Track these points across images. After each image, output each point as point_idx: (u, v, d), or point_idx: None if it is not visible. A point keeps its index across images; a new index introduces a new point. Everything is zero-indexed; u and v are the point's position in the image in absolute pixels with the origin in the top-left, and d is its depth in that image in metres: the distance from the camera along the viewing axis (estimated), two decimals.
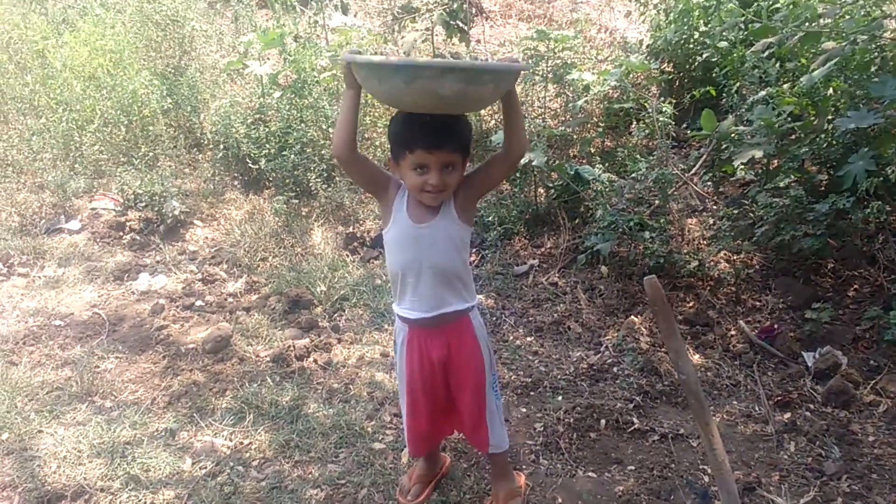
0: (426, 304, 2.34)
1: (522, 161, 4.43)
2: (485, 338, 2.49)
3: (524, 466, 2.91)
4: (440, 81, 1.90)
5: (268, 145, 5.40)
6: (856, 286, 4.00)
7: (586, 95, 5.14)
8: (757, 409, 3.30)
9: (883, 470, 2.89)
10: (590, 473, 2.87)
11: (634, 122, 5.21)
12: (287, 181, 5.30)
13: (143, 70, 6.22)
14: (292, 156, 5.25)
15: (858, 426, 3.15)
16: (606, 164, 4.87)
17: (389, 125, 2.27)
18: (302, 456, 2.98)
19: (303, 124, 5.45)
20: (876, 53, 4.07)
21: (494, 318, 4.04)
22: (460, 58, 1.90)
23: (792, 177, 4.10)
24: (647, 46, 5.98)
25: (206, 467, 2.92)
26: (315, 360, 3.66)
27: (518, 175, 4.80)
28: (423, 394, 2.48)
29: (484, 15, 6.52)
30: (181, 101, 6.12)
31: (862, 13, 4.07)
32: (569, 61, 5.22)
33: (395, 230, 2.32)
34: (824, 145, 4.11)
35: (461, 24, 5.50)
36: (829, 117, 4.07)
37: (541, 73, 5.11)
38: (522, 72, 2.15)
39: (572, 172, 4.64)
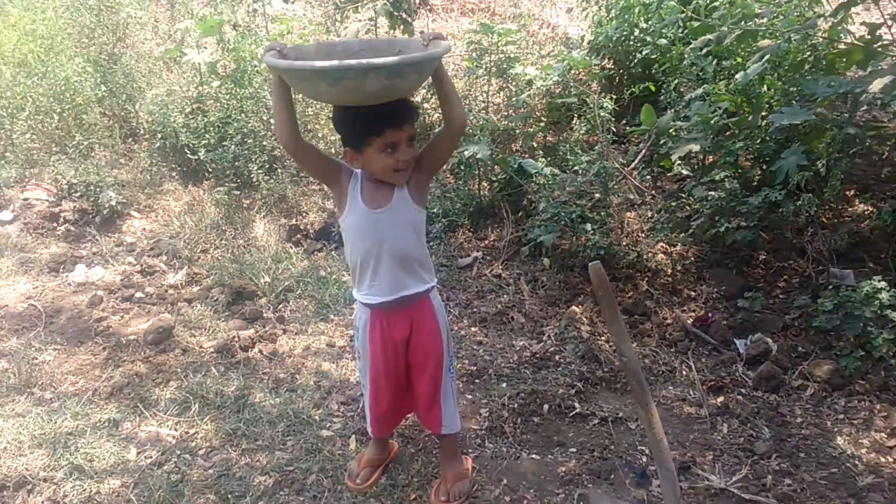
0: (386, 289, 2.39)
1: (466, 153, 4.51)
2: (444, 318, 2.55)
3: (470, 450, 2.96)
4: (364, 80, 1.94)
5: (207, 135, 5.33)
6: (786, 277, 4.17)
7: (529, 90, 5.22)
8: (691, 393, 3.42)
9: (810, 449, 3.03)
10: (534, 456, 2.94)
11: (576, 118, 5.31)
12: (227, 172, 5.25)
13: (75, 57, 6.06)
14: (233, 146, 5.20)
15: (787, 408, 3.29)
16: (549, 159, 4.96)
17: (339, 118, 2.30)
18: (249, 444, 2.98)
19: (243, 114, 5.39)
20: (809, 52, 4.25)
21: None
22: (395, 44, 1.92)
23: (727, 171, 4.25)
24: (589, 43, 6.09)
25: (151, 457, 2.90)
26: (260, 351, 3.65)
27: (462, 168, 4.85)
28: (386, 376, 2.53)
29: (428, 7, 6.55)
30: (116, 90, 5.99)
31: (796, 13, 4.25)
32: (512, 56, 5.30)
33: (351, 218, 2.35)
34: (758, 141, 4.27)
35: (405, 16, 5.52)
36: (764, 114, 4.23)
37: (484, 67, 5.17)
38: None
39: (515, 166, 4.72)
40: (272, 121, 5.24)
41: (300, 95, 5.29)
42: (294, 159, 2.66)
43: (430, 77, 2.24)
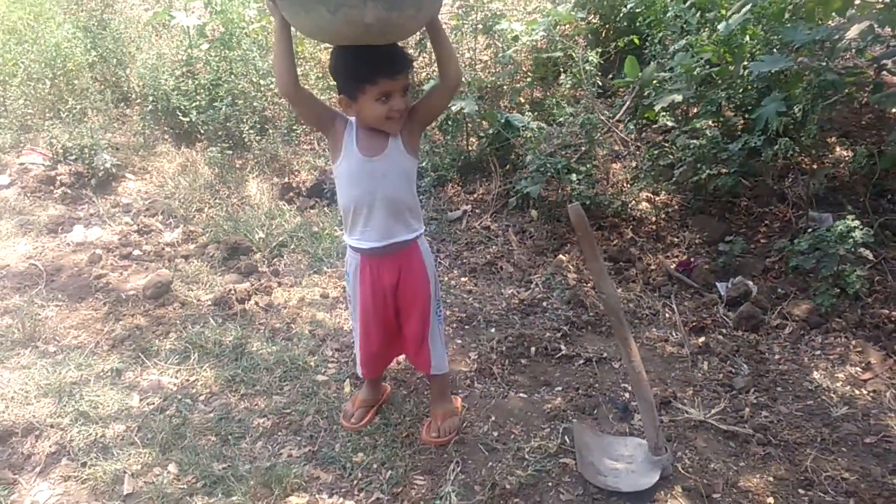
0: (377, 234, 2.48)
1: (454, 108, 4.58)
2: (431, 264, 2.64)
3: (460, 391, 3.09)
4: (362, 9, 1.97)
5: (198, 98, 5.39)
6: (767, 222, 4.27)
7: (515, 46, 5.27)
8: (674, 334, 3.54)
9: (787, 383, 3.16)
10: (521, 394, 3.07)
11: (563, 72, 5.37)
12: (219, 133, 5.32)
13: (65, 23, 6.10)
14: (224, 108, 5.26)
15: (766, 346, 3.42)
16: (536, 113, 5.03)
17: (336, 64, 2.35)
18: (248, 390, 3.11)
19: (233, 76, 5.45)
20: (789, 2, 4.30)
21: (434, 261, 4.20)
22: None
23: (710, 120, 4.33)
24: None
25: (153, 403, 3.02)
26: (256, 303, 3.76)
27: (450, 123, 4.93)
28: (375, 318, 2.63)
29: None
30: (106, 55, 6.05)
31: None
32: (498, 13, 5.34)
33: (345, 165, 2.43)
34: (740, 90, 4.35)
35: None
36: (745, 63, 4.30)
37: (470, 23, 5.22)
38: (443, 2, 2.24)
39: (503, 120, 4.79)
40: (272, 69, 5.33)
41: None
42: (292, 105, 2.73)
43: (427, 30, 2.29)
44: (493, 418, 2.91)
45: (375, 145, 2.39)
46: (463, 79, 4.89)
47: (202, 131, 5.43)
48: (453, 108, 4.63)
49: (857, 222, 3.53)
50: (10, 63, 5.79)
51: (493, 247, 4.33)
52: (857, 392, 3.10)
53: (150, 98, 5.60)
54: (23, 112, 5.66)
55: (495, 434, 2.83)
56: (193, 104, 5.36)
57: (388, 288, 2.59)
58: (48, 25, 5.96)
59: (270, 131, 5.30)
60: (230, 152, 5.26)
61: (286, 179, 5.11)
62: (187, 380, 3.18)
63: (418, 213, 2.59)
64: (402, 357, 3.18)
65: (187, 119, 5.41)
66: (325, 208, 4.78)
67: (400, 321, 2.69)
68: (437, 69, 2.45)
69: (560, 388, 3.11)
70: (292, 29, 2.26)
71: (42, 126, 5.44)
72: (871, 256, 3.59)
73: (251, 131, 5.18)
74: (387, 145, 2.39)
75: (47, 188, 5.06)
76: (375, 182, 2.40)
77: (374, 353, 2.74)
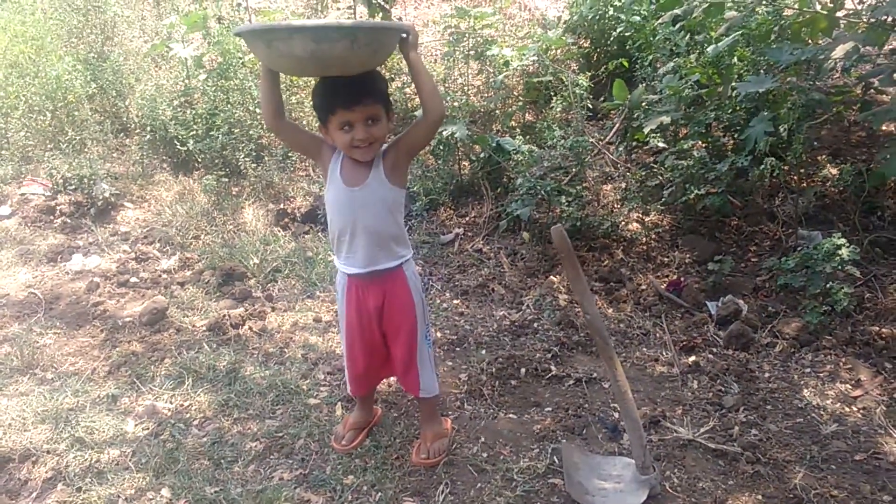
0: (360, 261, 2.53)
1: (445, 133, 4.64)
2: (418, 288, 2.67)
3: (450, 412, 3.11)
4: (291, 43, 2.02)
5: (195, 127, 5.47)
6: (757, 241, 4.31)
7: (507, 70, 5.34)
8: (664, 353, 3.56)
9: (777, 402, 3.17)
10: (511, 415, 3.09)
11: (553, 96, 5.44)
12: (216, 161, 5.40)
13: (65, 56, 6.20)
14: (220, 136, 5.34)
15: (756, 365, 3.43)
16: (527, 137, 5.09)
17: (313, 96, 2.45)
18: (241, 414, 3.13)
19: (229, 105, 5.54)
20: (775, 23, 4.36)
21: (423, 284, 4.23)
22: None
23: (699, 141, 4.38)
24: (565, 22, 6.21)
25: (148, 428, 3.05)
26: (250, 328, 3.80)
27: (442, 148, 4.99)
28: (360, 338, 2.68)
29: None
30: (106, 86, 6.14)
31: None
32: (489, 39, 5.42)
33: (331, 192, 2.50)
34: (729, 111, 4.40)
35: (382, 3, 5.65)
36: (733, 84, 4.36)
37: (462, 50, 5.30)
38: (406, 35, 2.28)
39: (494, 144, 4.85)
40: (257, 111, 5.43)
41: (284, 79, 5.43)
42: (279, 138, 2.82)
43: (407, 67, 2.36)
44: (483, 439, 2.93)
45: (357, 175, 2.45)
46: (453, 103, 4.96)
47: (199, 160, 5.50)
48: (445, 132, 4.70)
49: (843, 240, 3.56)
50: (13, 96, 5.88)
51: (485, 269, 4.37)
52: (848, 409, 3.11)
53: (149, 128, 5.69)
54: (24, 144, 5.76)
55: (484, 455, 2.85)
56: (191, 133, 5.44)
57: (372, 311, 2.62)
58: (49, 59, 6.06)
59: (266, 159, 5.37)
60: (226, 180, 5.33)
61: (281, 206, 5.17)
62: (181, 405, 3.22)
63: (404, 241, 2.62)
64: (392, 379, 3.22)
65: (185, 148, 5.48)
66: (320, 234, 4.84)
67: (387, 344, 2.73)
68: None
69: (550, 409, 3.14)
70: None
71: (42, 157, 5.53)
72: (858, 273, 3.61)
73: (247, 159, 5.25)
74: (368, 175, 2.44)
75: (47, 218, 5.13)
76: (355, 211, 2.46)
77: (360, 373, 2.78)
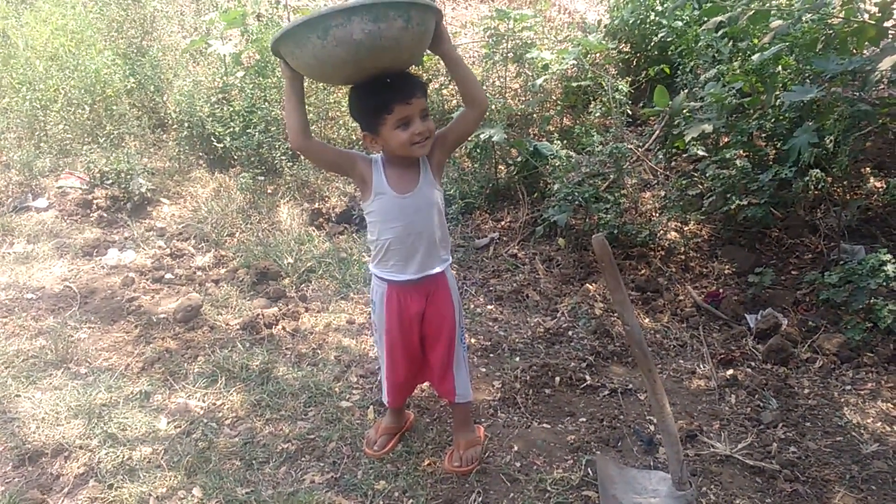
0: (413, 269, 2.50)
1: (483, 136, 4.60)
2: (456, 291, 2.66)
3: (483, 420, 3.08)
4: (350, 26, 1.99)
5: (232, 124, 5.48)
6: (798, 253, 4.23)
7: (545, 74, 5.30)
8: (701, 366, 3.50)
9: (816, 418, 3.11)
10: (544, 425, 3.06)
11: (592, 101, 5.39)
12: (252, 159, 5.40)
13: (105, 50, 6.25)
14: (257, 134, 5.34)
15: (795, 380, 3.37)
16: (565, 142, 5.04)
17: (352, 104, 2.41)
18: (273, 414, 3.13)
19: (267, 103, 5.54)
20: (822, 32, 4.28)
21: (458, 288, 4.21)
22: None
23: (740, 150, 4.31)
24: (605, 27, 6.15)
25: (180, 426, 3.05)
26: (284, 328, 3.80)
27: (478, 151, 4.95)
28: (402, 347, 2.65)
29: None
30: (144, 81, 6.17)
31: None
32: (528, 41, 5.38)
33: (378, 203, 2.44)
34: (772, 120, 4.32)
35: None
36: (777, 93, 4.28)
37: (501, 52, 5.26)
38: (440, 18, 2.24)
39: (531, 148, 4.81)
40: (285, 126, 5.43)
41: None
42: (306, 158, 2.77)
43: (443, 61, 2.34)
44: (516, 448, 2.90)
45: (406, 182, 2.42)
46: (489, 104, 4.92)
47: (235, 157, 5.52)
48: (482, 135, 4.66)
49: (889, 255, 3.48)
50: (52, 89, 5.93)
51: (520, 275, 4.33)
52: (889, 429, 3.04)
53: (186, 124, 5.71)
54: (62, 137, 5.80)
55: (517, 464, 2.81)
56: (228, 130, 5.45)
57: (414, 316, 2.60)
58: (89, 52, 6.10)
59: (302, 158, 5.36)
60: (262, 178, 5.34)
61: (316, 205, 5.17)
62: (214, 403, 3.22)
63: (448, 244, 2.61)
64: (425, 384, 3.19)
65: (221, 145, 5.50)
66: (354, 234, 4.83)
67: (425, 349, 2.70)
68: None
69: (584, 419, 3.09)
70: (305, 81, 2.32)
71: (80, 151, 5.57)
72: None
73: (283, 158, 5.26)
74: (418, 181, 2.42)
75: (84, 212, 5.17)
76: (409, 218, 2.43)
77: (401, 382, 2.76)
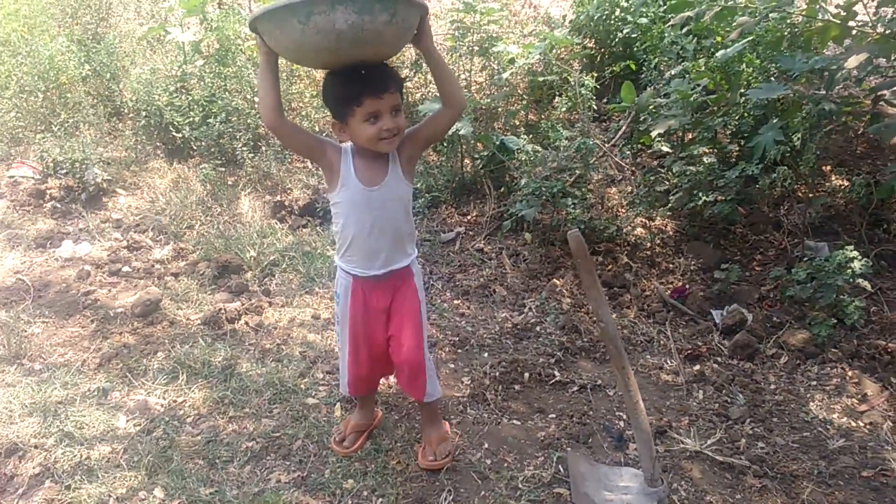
0: (377, 263, 2.44)
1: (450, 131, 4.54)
2: (421, 286, 2.62)
3: (453, 417, 3.04)
4: (333, 15, 1.94)
5: (192, 114, 5.35)
6: (762, 250, 4.26)
7: (511, 68, 5.26)
8: (669, 362, 3.51)
9: (783, 414, 3.12)
10: (514, 421, 3.02)
11: (558, 96, 5.37)
12: (212, 150, 5.29)
13: (59, 36, 6.07)
14: (217, 124, 5.22)
15: (761, 376, 3.38)
16: (531, 136, 5.02)
17: (325, 89, 2.33)
18: (236, 412, 3.05)
19: (227, 93, 5.43)
20: (786, 30, 4.31)
21: (423, 283, 4.16)
22: None
23: (706, 147, 4.32)
24: (570, 22, 6.14)
25: (140, 424, 2.95)
26: (247, 323, 3.71)
27: (445, 145, 4.91)
28: (364, 340, 2.60)
29: None
30: (100, 69, 6.00)
31: None
32: (494, 35, 5.33)
33: (345, 194, 2.37)
34: (737, 117, 4.35)
35: None
36: (742, 91, 4.30)
37: (467, 45, 5.21)
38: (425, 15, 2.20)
39: (498, 142, 4.77)
40: (256, 101, 5.32)
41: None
42: (278, 138, 2.68)
43: (423, 56, 2.28)
44: (487, 445, 2.86)
45: (375, 174, 2.36)
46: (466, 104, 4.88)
47: (195, 147, 5.39)
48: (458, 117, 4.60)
49: (855, 252, 3.52)
50: (3, 75, 5.73)
51: (487, 269, 4.30)
52: (854, 424, 3.07)
53: (143, 113, 5.56)
54: (14, 125, 5.61)
55: (488, 462, 2.78)
56: (187, 120, 5.32)
57: (380, 312, 2.55)
58: (42, 38, 5.91)
59: (264, 149, 5.26)
60: (223, 169, 5.22)
61: (278, 197, 5.07)
62: (175, 401, 3.12)
63: (413, 238, 2.57)
64: (393, 380, 3.14)
65: (180, 135, 5.37)
66: (318, 227, 4.74)
67: (390, 344, 2.64)
68: (436, 91, 2.42)
69: (554, 416, 3.07)
70: (279, 61, 2.25)
71: (33, 139, 5.39)
72: (868, 287, 3.57)
73: (244, 148, 5.15)
74: (386, 174, 2.36)
75: (37, 202, 5.00)
76: (375, 211, 2.37)
77: (364, 375, 2.70)
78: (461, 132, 4.57)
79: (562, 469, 2.74)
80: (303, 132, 2.50)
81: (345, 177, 2.36)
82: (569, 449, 2.84)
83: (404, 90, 5.43)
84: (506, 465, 2.77)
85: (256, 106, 5.34)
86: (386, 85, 2.22)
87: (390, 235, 2.42)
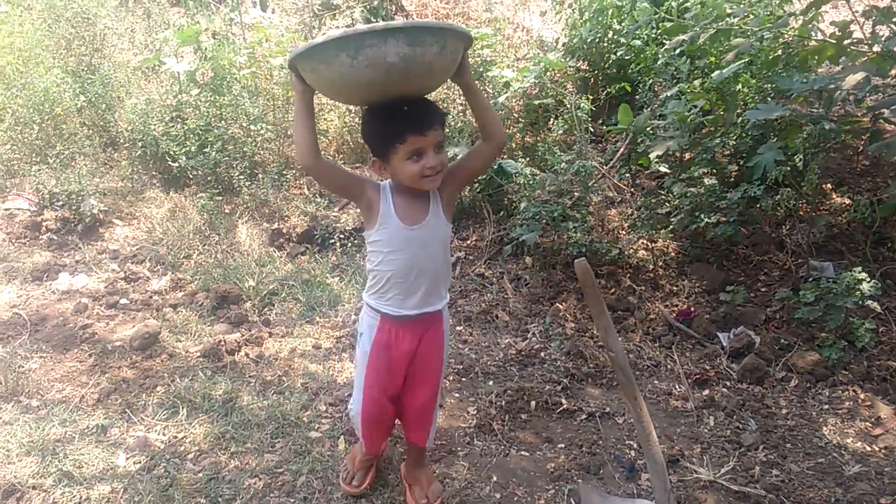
0: (412, 304, 2.35)
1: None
2: (448, 332, 2.52)
3: (459, 448, 2.97)
4: (384, 48, 1.89)
5: (187, 143, 5.32)
6: (766, 270, 4.23)
7: (506, 92, 5.25)
8: (677, 387, 3.46)
9: (796, 439, 3.08)
10: (523, 452, 2.97)
11: (553, 118, 5.35)
12: (209, 179, 5.25)
13: (54, 68, 6.04)
14: (213, 153, 5.19)
15: (772, 400, 3.34)
16: (528, 159, 4.99)
17: (365, 125, 2.27)
18: (238, 447, 2.98)
19: (223, 121, 5.40)
20: (781, 50, 4.31)
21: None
22: None
23: (705, 168, 4.30)
24: (564, 45, 6.14)
25: (140, 462, 2.88)
26: (247, 354, 3.65)
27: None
28: (389, 384, 2.49)
29: (404, 13, 6.58)
30: (95, 100, 5.98)
31: (767, 12, 4.31)
32: (488, 59, 5.33)
33: (384, 233, 2.28)
34: (735, 138, 4.33)
35: (382, 21, 5.55)
36: (739, 111, 4.29)
37: None
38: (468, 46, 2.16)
39: (496, 166, 4.74)
40: (251, 127, 5.30)
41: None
42: (315, 179, 2.60)
43: (463, 91, 2.24)
44: (495, 478, 2.80)
45: (415, 213, 2.27)
46: (453, 125, 4.85)
47: (191, 176, 5.35)
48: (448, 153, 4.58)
49: (863, 274, 3.49)
50: None
51: (489, 294, 4.25)
52: (869, 448, 3.02)
53: (139, 143, 5.53)
54: (9, 157, 5.57)
55: (498, 496, 2.72)
56: (183, 149, 5.28)
57: (404, 355, 2.43)
58: (37, 70, 5.89)
59: (260, 176, 5.23)
60: (220, 198, 5.18)
61: (276, 225, 5.03)
62: (175, 437, 3.05)
63: (449, 280, 2.48)
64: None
65: (176, 164, 5.33)
66: (317, 255, 4.69)
67: (406, 389, 2.53)
68: (477, 127, 2.33)
69: (563, 445, 3.01)
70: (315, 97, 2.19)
71: (29, 171, 5.34)
72: (878, 308, 3.53)
73: (241, 176, 5.11)
74: (427, 212, 2.27)
75: (33, 234, 4.95)
76: (415, 251, 2.28)
77: (384, 420, 2.59)
78: (459, 156, 4.53)
79: (573, 502, 2.68)
80: (340, 171, 2.42)
81: (384, 215, 2.27)
82: (580, 481, 2.79)
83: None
84: (516, 498, 2.71)
85: (253, 133, 5.32)
86: (430, 121, 2.13)
87: (429, 276, 2.32)
